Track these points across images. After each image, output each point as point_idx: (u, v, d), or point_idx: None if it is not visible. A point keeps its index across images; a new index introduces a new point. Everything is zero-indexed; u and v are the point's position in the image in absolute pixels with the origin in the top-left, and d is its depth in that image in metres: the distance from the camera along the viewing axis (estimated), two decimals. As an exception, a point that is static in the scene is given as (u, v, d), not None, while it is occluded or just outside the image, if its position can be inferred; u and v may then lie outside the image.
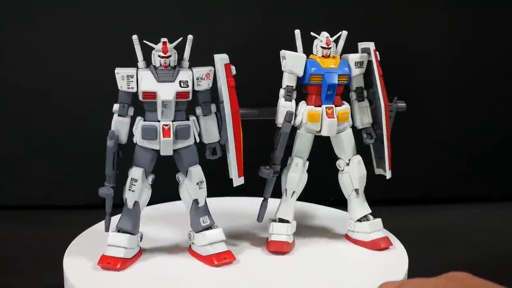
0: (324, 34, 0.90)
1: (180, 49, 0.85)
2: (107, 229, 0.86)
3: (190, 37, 0.84)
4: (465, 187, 1.36)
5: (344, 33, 0.90)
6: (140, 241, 0.88)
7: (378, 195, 0.91)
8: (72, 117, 1.26)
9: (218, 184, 0.88)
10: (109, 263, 0.84)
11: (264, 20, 1.26)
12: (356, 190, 0.93)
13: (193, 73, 0.84)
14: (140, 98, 0.83)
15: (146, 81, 0.82)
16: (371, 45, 0.91)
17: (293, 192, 0.91)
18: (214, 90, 0.86)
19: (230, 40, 1.22)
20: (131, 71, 0.83)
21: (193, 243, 0.88)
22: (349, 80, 0.90)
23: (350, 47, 0.92)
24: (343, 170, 0.93)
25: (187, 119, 0.85)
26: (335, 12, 1.25)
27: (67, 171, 1.28)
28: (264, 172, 0.89)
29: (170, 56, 0.83)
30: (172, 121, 0.83)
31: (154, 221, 0.99)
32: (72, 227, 0.97)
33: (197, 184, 0.86)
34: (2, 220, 1.21)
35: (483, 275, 0.64)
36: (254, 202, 0.94)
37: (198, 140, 0.86)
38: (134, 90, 0.83)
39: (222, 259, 0.86)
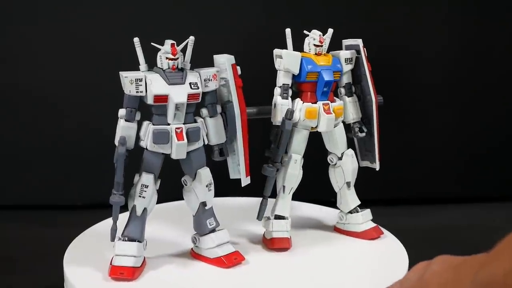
0: (316, 32, 0.91)
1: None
2: (113, 239, 0.82)
3: (191, 38, 0.83)
4: (465, 187, 1.36)
5: (330, 31, 0.92)
6: (145, 249, 0.84)
7: (378, 195, 0.91)
8: (72, 117, 1.26)
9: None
10: (122, 273, 0.80)
11: (264, 20, 1.26)
12: (348, 183, 0.95)
13: (200, 75, 0.83)
14: (151, 102, 0.80)
15: (157, 84, 0.80)
16: (359, 42, 0.94)
17: (291, 188, 0.92)
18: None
19: (230, 40, 1.22)
20: (139, 74, 0.80)
21: (196, 246, 0.87)
22: (340, 77, 0.93)
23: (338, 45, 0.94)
24: (335, 164, 0.95)
25: (195, 121, 0.83)
26: (335, 12, 1.25)
27: (67, 171, 1.28)
28: (268, 170, 0.89)
29: (178, 58, 0.81)
30: (183, 124, 0.81)
31: (152, 222, 0.99)
32: (72, 227, 0.97)
33: (207, 186, 0.85)
34: (2, 220, 1.21)
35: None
36: (252, 202, 0.94)
37: (206, 142, 0.85)
38: (143, 94, 0.80)
39: (233, 260, 0.85)
